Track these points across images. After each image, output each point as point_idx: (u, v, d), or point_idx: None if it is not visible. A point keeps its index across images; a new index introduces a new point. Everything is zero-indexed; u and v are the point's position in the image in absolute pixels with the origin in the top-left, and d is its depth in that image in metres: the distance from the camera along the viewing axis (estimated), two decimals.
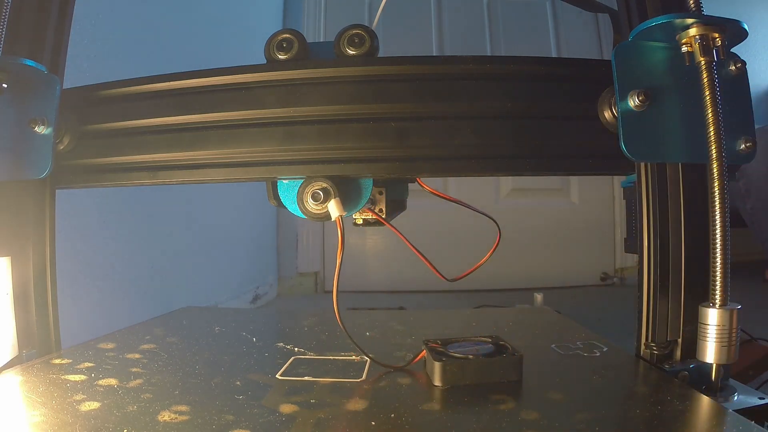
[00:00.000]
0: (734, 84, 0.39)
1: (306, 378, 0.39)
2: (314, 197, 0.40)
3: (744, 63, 0.39)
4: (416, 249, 0.42)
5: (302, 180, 0.41)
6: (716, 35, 0.36)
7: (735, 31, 0.36)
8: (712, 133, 0.35)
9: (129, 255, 0.95)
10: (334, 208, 0.39)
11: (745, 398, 0.38)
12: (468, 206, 0.47)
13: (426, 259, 0.42)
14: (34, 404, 0.33)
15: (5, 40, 0.42)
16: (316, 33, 1.94)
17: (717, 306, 0.36)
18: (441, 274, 0.43)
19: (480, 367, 0.37)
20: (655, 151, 0.39)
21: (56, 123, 0.43)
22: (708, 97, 0.35)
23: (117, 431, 0.29)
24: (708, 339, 0.37)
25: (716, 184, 0.35)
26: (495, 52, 1.93)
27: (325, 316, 0.59)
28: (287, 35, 0.43)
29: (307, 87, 0.41)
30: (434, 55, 1.67)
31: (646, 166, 0.41)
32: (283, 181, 0.43)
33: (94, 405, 0.33)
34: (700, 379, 0.39)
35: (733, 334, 0.37)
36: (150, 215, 1.05)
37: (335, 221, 0.39)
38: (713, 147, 0.35)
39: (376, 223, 0.48)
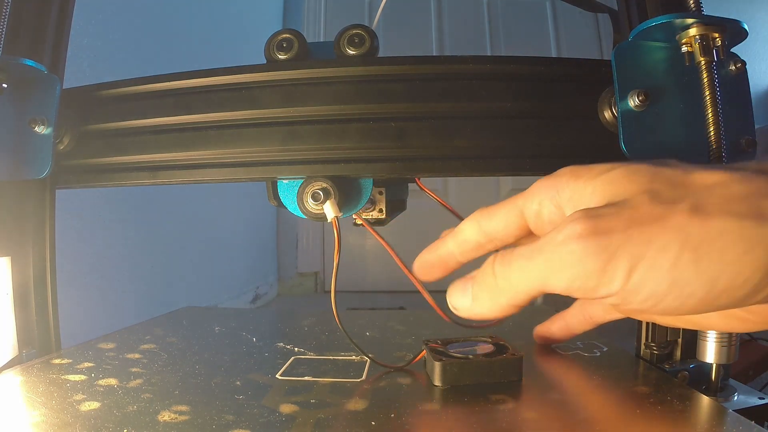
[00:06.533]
0: (734, 84, 0.39)
1: (306, 378, 0.39)
2: (314, 197, 0.40)
3: (744, 63, 0.39)
4: (394, 253, 0.40)
5: (302, 180, 0.41)
6: (716, 35, 0.35)
7: (735, 31, 0.36)
8: (712, 133, 0.35)
9: (129, 255, 0.95)
10: (329, 210, 0.39)
11: (745, 398, 0.38)
12: (454, 213, 0.45)
13: (401, 262, 0.40)
14: (34, 404, 0.33)
15: (5, 40, 0.42)
16: (316, 33, 1.94)
17: None
18: (413, 276, 0.39)
19: (480, 367, 0.37)
20: (655, 151, 0.39)
21: (56, 123, 0.43)
22: (708, 97, 0.35)
23: (117, 431, 0.29)
24: (708, 339, 0.37)
25: None
26: (495, 52, 1.93)
27: (325, 316, 0.59)
28: (287, 35, 0.43)
29: (307, 87, 0.41)
30: (434, 55, 1.67)
31: None
32: (283, 181, 0.43)
33: (94, 405, 0.33)
34: (700, 379, 0.39)
35: (733, 334, 0.37)
36: (150, 215, 1.05)
37: (331, 222, 0.39)
38: (713, 147, 0.35)
39: (377, 223, 0.48)
